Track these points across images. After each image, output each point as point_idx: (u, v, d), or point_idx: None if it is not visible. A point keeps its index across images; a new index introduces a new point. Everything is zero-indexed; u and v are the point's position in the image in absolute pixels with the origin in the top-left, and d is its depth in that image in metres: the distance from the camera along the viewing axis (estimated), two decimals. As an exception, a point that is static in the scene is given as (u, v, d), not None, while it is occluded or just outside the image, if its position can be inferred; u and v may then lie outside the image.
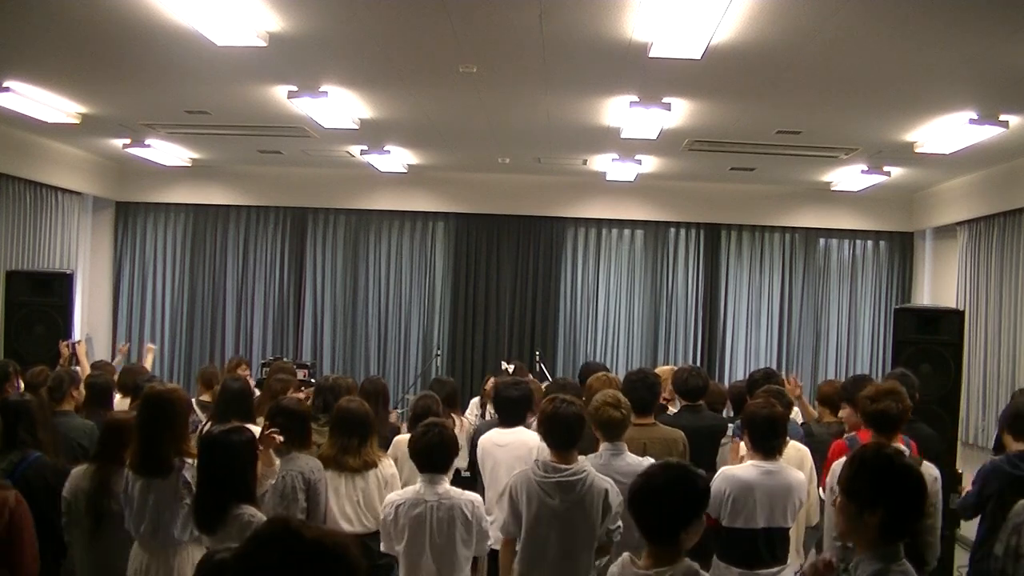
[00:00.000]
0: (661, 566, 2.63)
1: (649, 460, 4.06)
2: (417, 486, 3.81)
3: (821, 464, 4.55)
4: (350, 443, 4.34)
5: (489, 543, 3.90)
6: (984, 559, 4.27)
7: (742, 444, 4.21)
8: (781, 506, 3.91)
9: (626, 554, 2.78)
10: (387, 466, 4.48)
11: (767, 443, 3.96)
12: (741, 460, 4.09)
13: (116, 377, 6.19)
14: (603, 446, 4.09)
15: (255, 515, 3.37)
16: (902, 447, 3.89)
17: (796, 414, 5.57)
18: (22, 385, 5.60)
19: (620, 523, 3.67)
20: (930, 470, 3.82)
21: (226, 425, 3.71)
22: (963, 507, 4.66)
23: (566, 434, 3.75)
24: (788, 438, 4.46)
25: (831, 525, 4.08)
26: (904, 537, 2.48)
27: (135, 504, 3.71)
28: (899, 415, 3.89)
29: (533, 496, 3.68)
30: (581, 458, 3.79)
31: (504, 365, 7.75)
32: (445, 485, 3.80)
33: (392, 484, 4.40)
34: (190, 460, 3.69)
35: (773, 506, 3.89)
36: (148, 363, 7.53)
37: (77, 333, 8.42)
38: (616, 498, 3.64)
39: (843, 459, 3.83)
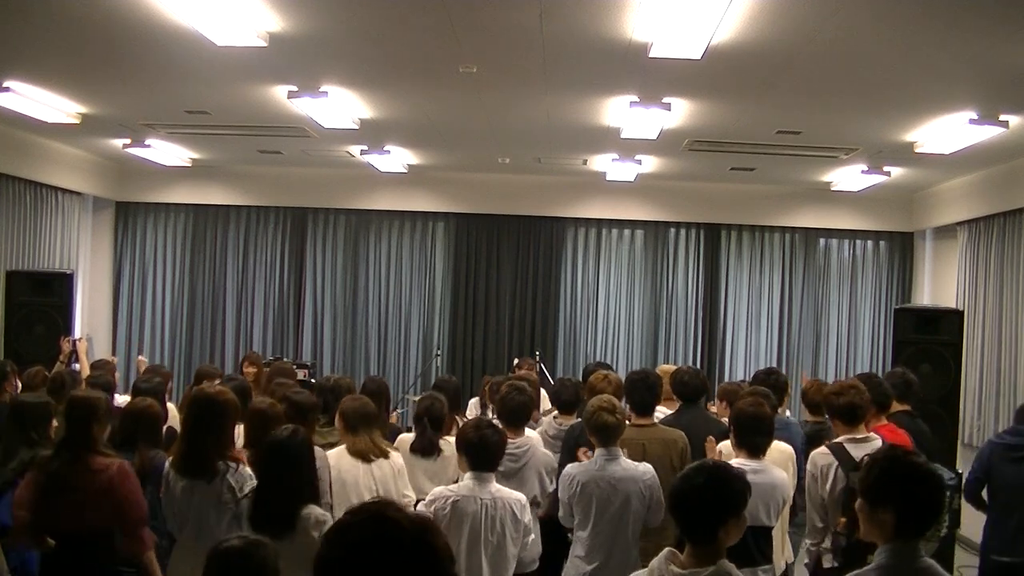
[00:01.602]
0: (700, 566, 2.65)
1: (646, 465, 4.08)
2: (468, 483, 3.83)
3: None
4: (367, 434, 4.41)
5: (530, 538, 4.01)
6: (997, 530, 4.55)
7: (721, 444, 4.28)
8: (764, 505, 3.91)
9: (667, 549, 2.78)
10: (397, 457, 4.50)
11: (752, 441, 3.98)
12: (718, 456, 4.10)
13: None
14: (598, 451, 4.08)
15: (324, 514, 3.38)
16: (875, 436, 4.11)
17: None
18: (19, 385, 5.61)
19: (553, 486, 4.49)
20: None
21: (287, 427, 3.69)
22: (967, 485, 5.05)
23: (513, 416, 4.61)
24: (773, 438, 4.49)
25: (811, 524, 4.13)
26: (919, 535, 2.56)
27: (177, 505, 3.69)
28: (863, 407, 4.19)
29: None
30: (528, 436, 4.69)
31: (516, 362, 7.80)
32: (495, 483, 3.86)
33: (404, 474, 4.45)
34: (234, 464, 3.67)
35: (757, 505, 3.88)
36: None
37: (78, 331, 8.40)
38: (551, 473, 4.53)
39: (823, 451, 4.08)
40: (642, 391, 4.65)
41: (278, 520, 3.29)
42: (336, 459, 4.34)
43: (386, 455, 4.42)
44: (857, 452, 3.95)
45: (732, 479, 2.76)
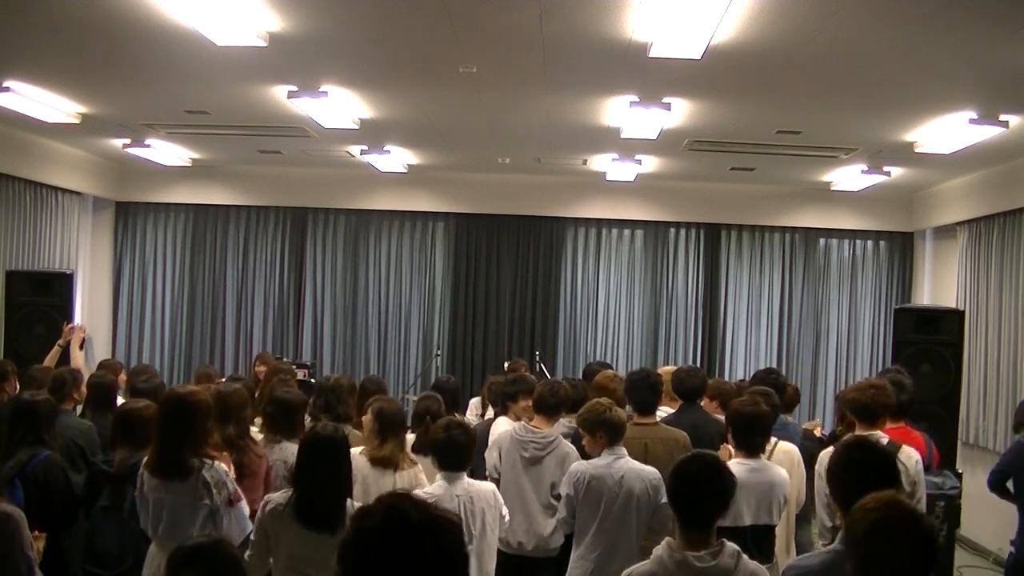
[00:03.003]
0: (702, 548, 2.81)
1: (652, 468, 4.09)
2: (440, 483, 3.92)
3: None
4: (397, 442, 4.31)
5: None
6: None
7: (730, 447, 4.24)
8: (766, 503, 3.94)
9: (668, 539, 2.89)
10: (419, 470, 4.40)
11: (751, 441, 4.00)
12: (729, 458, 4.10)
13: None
14: (606, 451, 4.12)
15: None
16: (882, 435, 4.13)
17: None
18: (18, 385, 5.61)
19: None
20: (910, 453, 4.09)
21: (327, 423, 3.78)
22: (988, 477, 5.33)
23: (553, 410, 4.79)
24: (777, 439, 4.49)
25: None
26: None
27: (150, 505, 3.71)
28: (880, 407, 4.24)
29: (513, 447, 4.71)
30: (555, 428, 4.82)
31: (506, 364, 7.81)
32: (466, 479, 3.98)
33: (419, 478, 4.36)
34: (209, 461, 3.69)
35: (759, 504, 3.92)
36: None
37: (78, 318, 8.33)
38: (574, 460, 4.51)
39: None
40: (643, 390, 4.68)
41: (328, 514, 3.33)
42: (358, 464, 4.19)
43: (412, 463, 4.33)
44: None
45: (725, 469, 2.99)
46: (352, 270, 10.45)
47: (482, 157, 9.16)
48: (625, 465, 4.06)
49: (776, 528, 4.08)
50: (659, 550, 2.86)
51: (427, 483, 4.37)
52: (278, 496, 3.54)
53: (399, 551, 1.62)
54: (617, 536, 3.99)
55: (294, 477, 3.52)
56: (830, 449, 4.13)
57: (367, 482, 4.18)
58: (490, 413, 6.25)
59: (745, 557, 2.85)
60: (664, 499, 3.83)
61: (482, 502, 3.93)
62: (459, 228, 10.39)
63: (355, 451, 4.34)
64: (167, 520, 3.67)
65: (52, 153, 8.74)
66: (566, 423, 5.29)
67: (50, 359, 6.78)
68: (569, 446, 4.72)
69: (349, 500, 3.46)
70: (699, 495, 2.84)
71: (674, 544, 2.83)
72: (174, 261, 10.48)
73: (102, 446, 4.66)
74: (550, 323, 10.34)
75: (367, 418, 4.44)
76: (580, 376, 6.49)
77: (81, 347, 7.25)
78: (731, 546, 2.83)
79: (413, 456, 4.49)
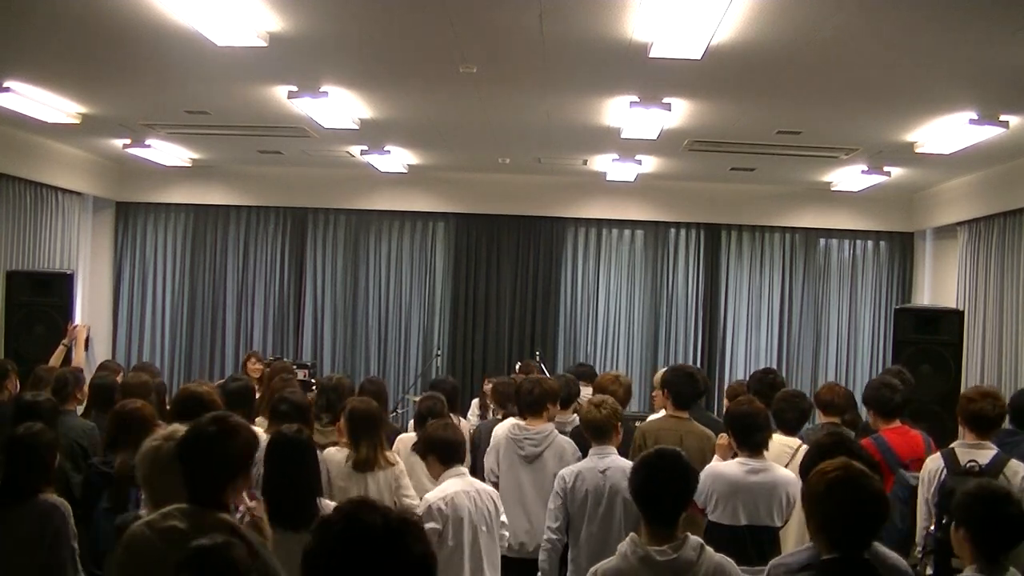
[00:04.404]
0: (667, 542, 2.82)
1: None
2: (455, 480, 3.98)
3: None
4: (370, 443, 4.28)
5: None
6: None
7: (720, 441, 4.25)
8: (766, 504, 3.90)
9: (632, 534, 2.91)
10: (398, 465, 4.40)
11: (751, 439, 3.99)
12: (733, 455, 4.10)
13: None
14: (592, 450, 4.18)
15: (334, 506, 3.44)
16: (989, 445, 4.06)
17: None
18: (18, 384, 5.61)
19: None
20: (1016, 468, 3.99)
21: (290, 425, 3.75)
22: None
23: (535, 406, 4.78)
24: (802, 442, 4.48)
25: None
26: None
27: None
28: (1000, 416, 4.16)
29: (509, 446, 4.76)
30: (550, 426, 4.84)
31: (517, 366, 7.83)
32: (469, 475, 4.14)
33: (404, 479, 4.35)
34: None
35: (757, 504, 3.89)
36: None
37: (78, 319, 8.33)
38: (571, 458, 4.60)
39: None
40: (684, 384, 4.70)
41: (298, 514, 3.32)
42: (327, 465, 4.16)
43: (391, 464, 4.31)
44: (964, 456, 4.00)
45: (688, 463, 3.00)
46: (352, 270, 10.45)
47: (482, 157, 9.16)
48: (611, 462, 4.09)
49: (787, 529, 4.04)
50: (624, 546, 2.89)
51: (409, 484, 4.36)
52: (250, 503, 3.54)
53: (362, 558, 1.63)
54: (606, 534, 3.99)
55: (263, 480, 3.49)
56: (935, 455, 4.18)
57: (337, 483, 4.16)
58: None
59: (710, 550, 2.85)
60: None
61: (487, 499, 4.02)
62: (459, 228, 10.38)
63: (331, 450, 4.32)
64: None
65: (52, 153, 8.74)
66: (559, 419, 5.31)
67: (55, 359, 6.79)
68: (566, 440, 4.78)
69: (323, 500, 3.45)
70: (661, 490, 2.87)
71: (638, 539, 2.86)
72: (174, 261, 10.48)
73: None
74: (550, 323, 10.34)
75: (341, 421, 4.40)
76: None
77: (85, 346, 7.26)
78: (694, 539, 2.84)
79: (395, 457, 4.43)
